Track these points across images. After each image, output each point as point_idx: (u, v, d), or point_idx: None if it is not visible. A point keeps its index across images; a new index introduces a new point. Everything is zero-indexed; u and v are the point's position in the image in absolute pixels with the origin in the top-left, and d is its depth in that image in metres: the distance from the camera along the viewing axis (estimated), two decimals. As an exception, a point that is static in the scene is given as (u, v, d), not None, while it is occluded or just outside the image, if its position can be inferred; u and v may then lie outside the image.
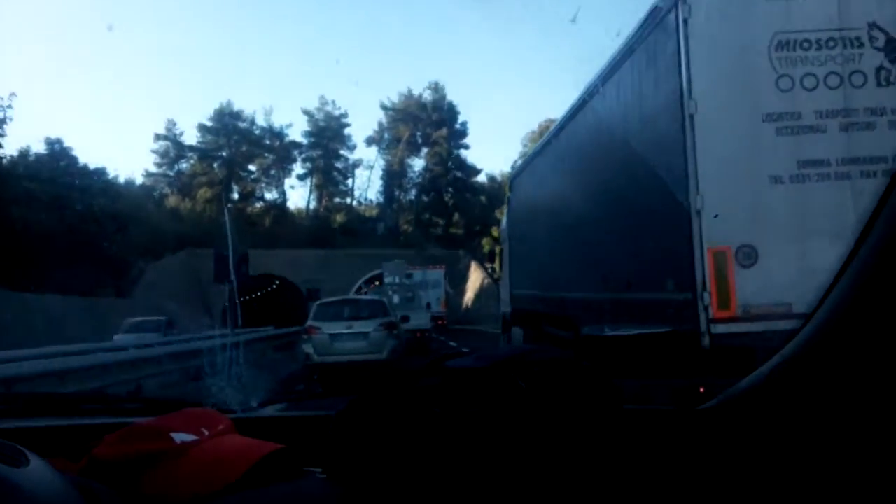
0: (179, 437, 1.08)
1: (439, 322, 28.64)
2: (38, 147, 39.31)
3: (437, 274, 32.14)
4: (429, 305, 24.72)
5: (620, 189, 6.73)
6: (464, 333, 29.26)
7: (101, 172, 41.99)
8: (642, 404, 1.45)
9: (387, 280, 27.18)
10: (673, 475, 1.18)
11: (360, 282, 43.72)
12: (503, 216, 15.15)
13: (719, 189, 4.95)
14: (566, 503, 0.99)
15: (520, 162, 13.80)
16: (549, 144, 10.33)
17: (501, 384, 1.01)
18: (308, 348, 12.44)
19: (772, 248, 4.89)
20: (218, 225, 52.19)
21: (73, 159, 40.05)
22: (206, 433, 1.13)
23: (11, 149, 35.32)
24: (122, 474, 1.02)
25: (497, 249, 16.11)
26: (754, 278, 4.87)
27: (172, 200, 55.52)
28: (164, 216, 48.20)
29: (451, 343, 23.23)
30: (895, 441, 0.92)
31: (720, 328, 4.92)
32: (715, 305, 4.94)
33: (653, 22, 5.67)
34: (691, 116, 4.96)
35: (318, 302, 13.88)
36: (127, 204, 41.97)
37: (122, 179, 49.45)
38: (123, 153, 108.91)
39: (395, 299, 21.06)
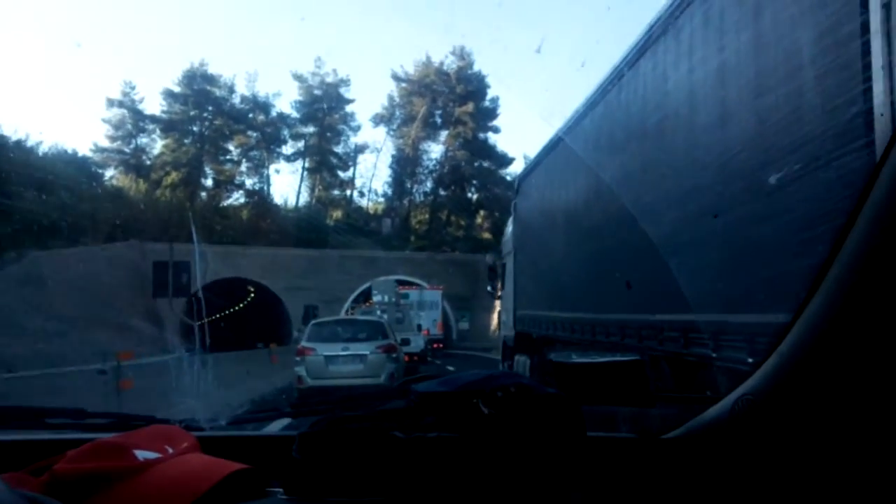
0: (142, 454, 1.24)
1: (434, 345, 30.73)
2: None
3: (434, 294, 34.43)
4: (419, 327, 27.00)
5: (711, 158, 5.35)
6: (465, 358, 30.20)
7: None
8: (608, 432, 1.62)
9: (375, 299, 29.53)
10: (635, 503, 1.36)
11: (350, 300, 41.78)
12: (508, 226, 15.23)
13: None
14: None
15: (532, 158, 13.46)
16: (579, 125, 9.28)
17: (465, 409, 1.21)
18: (301, 371, 13.13)
19: None
20: (182, 216, 49.08)
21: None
22: (170, 451, 1.30)
23: None
24: (83, 491, 1.14)
25: (497, 264, 16.02)
26: None
27: (122, 180, 51.17)
28: (94, 197, 42.66)
29: (449, 367, 24.37)
30: (866, 472, 1.13)
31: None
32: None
33: None
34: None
35: (312, 321, 15.15)
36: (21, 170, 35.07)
37: (43, 149, 43.74)
38: (72, 123, 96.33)
39: (384, 319, 21.44)
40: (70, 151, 45.54)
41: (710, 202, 5.24)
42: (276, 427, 1.93)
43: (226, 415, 1.79)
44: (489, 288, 16.79)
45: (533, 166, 12.57)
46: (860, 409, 1.11)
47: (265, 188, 59.97)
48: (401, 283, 35.73)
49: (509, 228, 14.58)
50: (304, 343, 13.68)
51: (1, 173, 30.35)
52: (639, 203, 6.61)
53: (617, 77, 7.59)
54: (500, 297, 15.47)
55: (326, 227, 53.63)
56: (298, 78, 58.53)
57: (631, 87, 7.22)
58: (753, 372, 1.28)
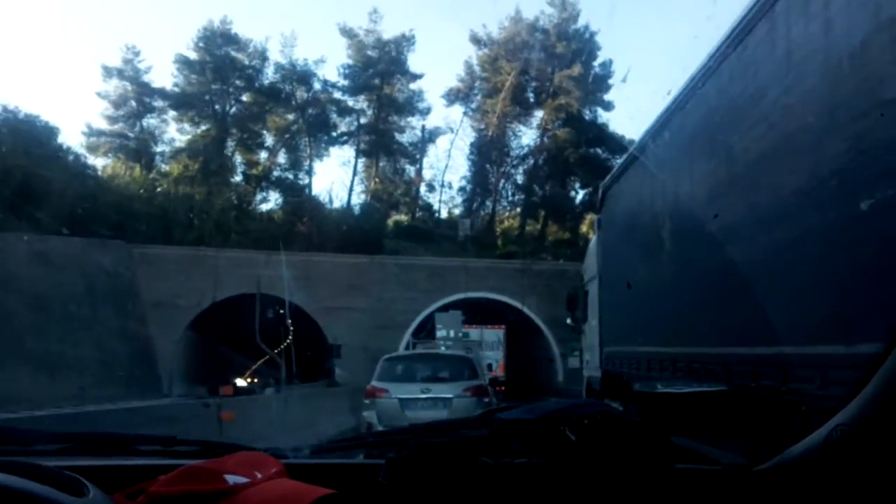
0: (232, 479, 1.39)
1: (497, 388, 30.65)
2: None
3: (495, 334, 34.18)
4: (490, 367, 27.08)
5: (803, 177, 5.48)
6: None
7: None
8: (698, 464, 1.72)
9: (439, 334, 30.25)
10: None
11: (409, 331, 36.20)
12: (590, 245, 15.13)
13: None
14: None
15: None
16: (687, 105, 8.23)
17: (551, 436, 1.33)
18: (370, 416, 12.34)
19: None
20: (188, 213, 41.29)
21: None
22: (259, 476, 1.44)
23: None
24: None
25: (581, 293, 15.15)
26: None
27: (115, 167, 42.66)
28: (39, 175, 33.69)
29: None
30: None
31: None
32: None
33: None
34: None
35: (385, 357, 14.22)
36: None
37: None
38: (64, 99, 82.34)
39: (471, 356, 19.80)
40: (21, 113, 37.10)
41: (797, 226, 5.43)
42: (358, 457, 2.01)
43: (309, 444, 1.94)
44: (569, 321, 16.27)
45: (621, 171, 12.03)
46: None
47: (307, 182, 51.12)
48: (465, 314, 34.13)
49: (592, 248, 14.26)
50: (374, 383, 12.82)
51: None
52: (731, 221, 6.73)
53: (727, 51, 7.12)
54: (582, 332, 15.21)
55: (385, 231, 44.89)
56: (348, 34, 49.43)
57: (738, 78, 6.89)
58: (848, 403, 1.35)
